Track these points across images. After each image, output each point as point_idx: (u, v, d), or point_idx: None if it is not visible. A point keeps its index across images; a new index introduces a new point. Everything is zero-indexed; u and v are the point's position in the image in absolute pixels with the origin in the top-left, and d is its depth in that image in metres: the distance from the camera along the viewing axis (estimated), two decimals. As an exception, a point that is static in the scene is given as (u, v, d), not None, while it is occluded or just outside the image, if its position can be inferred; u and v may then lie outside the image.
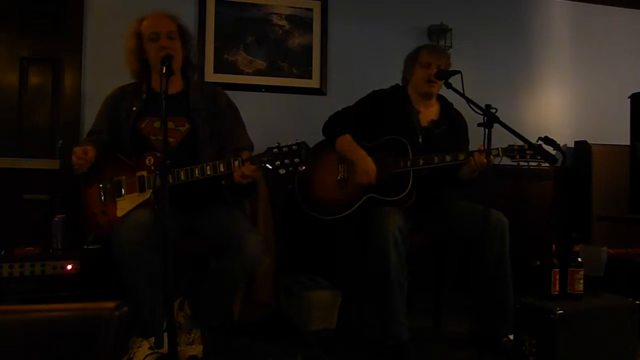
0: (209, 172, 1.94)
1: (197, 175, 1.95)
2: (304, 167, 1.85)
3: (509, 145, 2.18)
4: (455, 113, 2.48)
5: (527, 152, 2.16)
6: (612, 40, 3.83)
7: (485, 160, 2.04)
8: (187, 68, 2.19)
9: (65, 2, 2.92)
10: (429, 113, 2.43)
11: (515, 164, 2.28)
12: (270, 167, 1.84)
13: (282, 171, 1.84)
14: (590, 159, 3.38)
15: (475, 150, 2.18)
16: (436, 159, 2.23)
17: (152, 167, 2.01)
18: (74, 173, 2.04)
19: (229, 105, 2.23)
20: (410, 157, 2.25)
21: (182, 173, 1.95)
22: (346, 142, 2.33)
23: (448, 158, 2.22)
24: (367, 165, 2.23)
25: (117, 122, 2.13)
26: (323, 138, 2.46)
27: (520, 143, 2.06)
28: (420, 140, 2.35)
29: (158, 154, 2.00)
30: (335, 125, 2.40)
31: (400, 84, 2.50)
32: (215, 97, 2.20)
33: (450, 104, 2.49)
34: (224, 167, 1.93)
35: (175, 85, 2.14)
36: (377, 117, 2.38)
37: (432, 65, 2.33)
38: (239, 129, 2.20)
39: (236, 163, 1.90)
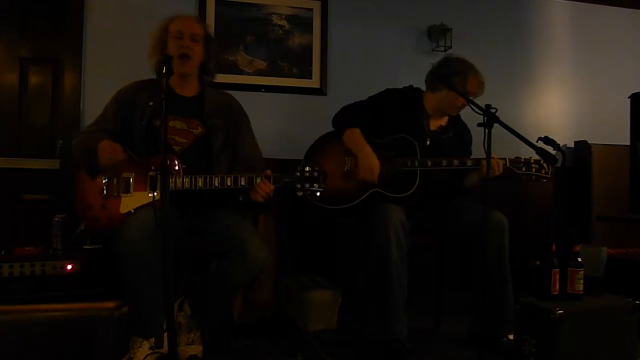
0: (228, 184, 1.98)
1: (216, 185, 1.98)
2: (318, 194, 1.99)
3: (516, 157, 2.29)
4: (462, 124, 2.52)
5: (532, 165, 2.28)
6: (612, 41, 3.82)
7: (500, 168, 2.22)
8: (203, 74, 2.22)
9: (65, 2, 2.91)
10: (439, 119, 2.46)
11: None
12: (291, 188, 1.96)
13: (299, 193, 1.96)
14: (590, 159, 3.38)
15: (482, 158, 2.16)
16: (444, 162, 2.26)
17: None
18: (76, 159, 2.06)
19: (243, 115, 2.28)
20: (419, 157, 2.27)
21: (200, 180, 1.97)
22: (354, 136, 2.32)
23: (456, 162, 2.27)
24: (371, 163, 2.25)
25: (129, 117, 2.11)
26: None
27: (527, 156, 2.22)
28: (427, 143, 2.38)
29: (174, 157, 2.01)
30: (346, 117, 2.39)
31: (414, 86, 2.50)
32: (231, 107, 2.26)
33: (458, 115, 2.50)
34: (245, 181, 1.98)
35: (191, 89, 2.19)
36: (388, 114, 2.38)
37: (473, 96, 2.27)
38: (250, 139, 2.26)
39: (258, 180, 1.96)
